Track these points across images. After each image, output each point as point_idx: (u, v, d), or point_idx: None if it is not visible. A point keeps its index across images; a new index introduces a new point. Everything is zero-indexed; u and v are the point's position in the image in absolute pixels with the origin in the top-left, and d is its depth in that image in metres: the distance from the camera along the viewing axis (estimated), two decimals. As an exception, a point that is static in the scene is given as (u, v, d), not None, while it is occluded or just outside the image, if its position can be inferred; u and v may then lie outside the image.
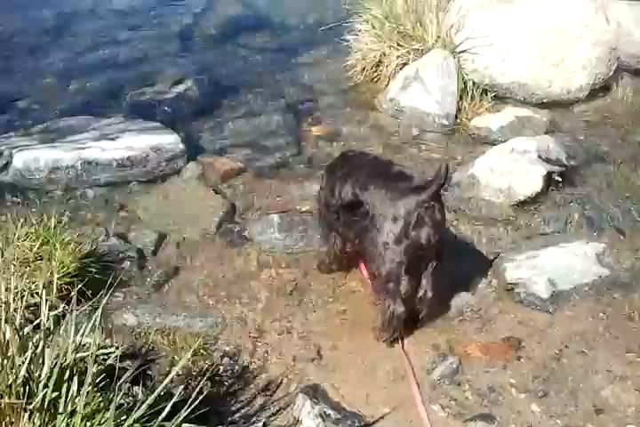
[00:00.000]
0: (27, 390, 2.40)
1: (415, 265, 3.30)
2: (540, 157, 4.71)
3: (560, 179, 4.67)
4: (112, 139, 4.89)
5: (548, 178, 4.62)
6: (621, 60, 5.93)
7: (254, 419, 2.99)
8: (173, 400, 2.44)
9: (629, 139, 5.25)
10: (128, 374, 2.58)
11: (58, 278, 3.43)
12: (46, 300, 2.80)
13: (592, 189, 4.67)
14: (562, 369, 3.29)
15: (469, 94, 5.57)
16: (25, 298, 3.22)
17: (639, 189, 4.66)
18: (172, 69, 6.25)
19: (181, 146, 4.94)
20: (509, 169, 4.61)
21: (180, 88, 5.87)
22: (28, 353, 2.51)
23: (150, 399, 2.46)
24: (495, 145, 4.98)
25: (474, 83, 5.67)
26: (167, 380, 2.52)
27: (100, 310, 2.74)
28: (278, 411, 3.06)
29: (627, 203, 4.49)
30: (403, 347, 3.37)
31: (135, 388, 2.91)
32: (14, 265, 3.50)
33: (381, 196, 3.31)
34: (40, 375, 2.47)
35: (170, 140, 4.95)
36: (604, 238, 4.16)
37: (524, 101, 5.69)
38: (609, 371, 3.26)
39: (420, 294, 3.37)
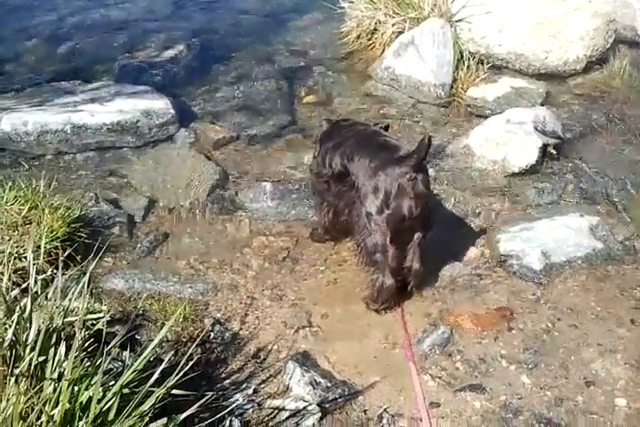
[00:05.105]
0: (13, 353, 2.37)
1: (401, 236, 3.27)
2: (535, 128, 4.67)
3: (555, 151, 4.64)
4: (102, 103, 4.80)
5: (544, 150, 4.58)
6: (619, 33, 5.86)
7: (244, 386, 2.98)
8: (163, 366, 2.41)
9: (625, 112, 5.20)
10: (117, 339, 2.55)
11: (46, 243, 3.38)
12: (34, 264, 2.75)
13: (587, 161, 4.63)
14: (553, 341, 3.29)
15: (465, 64, 5.49)
16: (13, 262, 3.20)
17: (634, 162, 4.63)
18: (163, 33, 6.13)
19: (172, 111, 4.85)
20: (505, 140, 4.58)
21: (171, 53, 5.76)
22: (15, 316, 2.47)
23: (138, 364, 2.44)
24: (490, 116, 4.93)
25: (470, 52, 5.60)
26: (154, 343, 2.49)
27: (88, 275, 2.70)
28: (268, 378, 3.05)
29: (621, 176, 4.46)
30: (403, 317, 3.36)
31: (124, 353, 2.88)
32: (2, 229, 3.46)
33: (365, 166, 3.30)
34: (27, 339, 2.44)
35: (161, 105, 4.86)
36: (598, 211, 4.13)
37: (520, 72, 5.63)
38: (600, 344, 3.26)
39: (407, 265, 3.35)
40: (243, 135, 4.88)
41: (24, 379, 2.30)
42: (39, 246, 3.21)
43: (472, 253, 3.86)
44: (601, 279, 3.64)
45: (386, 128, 3.69)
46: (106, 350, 2.39)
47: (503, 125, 4.68)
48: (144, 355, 2.45)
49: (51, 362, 2.40)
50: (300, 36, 6.23)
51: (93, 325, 2.87)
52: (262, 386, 3.01)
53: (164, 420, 2.37)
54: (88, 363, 2.44)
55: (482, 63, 5.54)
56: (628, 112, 5.17)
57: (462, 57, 5.52)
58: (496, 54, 5.63)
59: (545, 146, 4.59)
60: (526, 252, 3.76)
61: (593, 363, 3.17)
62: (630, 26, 5.89)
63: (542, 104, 5.21)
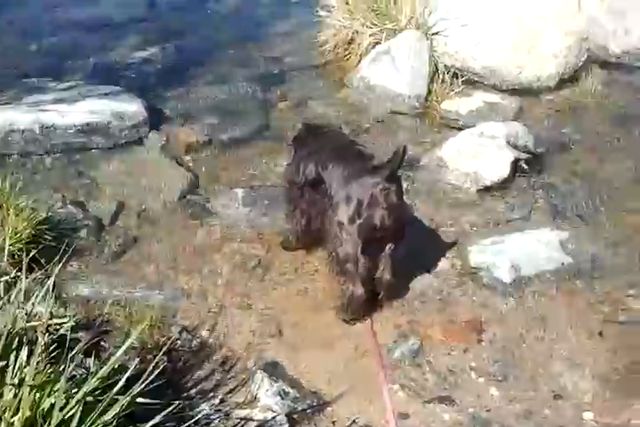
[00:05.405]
0: (-28, 358, 2.29)
1: (372, 247, 3.26)
2: (508, 142, 4.69)
3: (527, 166, 4.66)
4: (73, 103, 4.71)
5: (515, 164, 4.60)
6: (591, 52, 5.94)
7: (211, 395, 2.93)
8: (128, 373, 2.35)
9: (595, 129, 5.25)
10: (81, 345, 2.49)
11: (10, 244, 3.30)
12: (-3, 265, 2.68)
13: (557, 177, 4.66)
14: (522, 354, 3.29)
15: (440, 77, 5.51)
16: (-26, 263, 3.11)
17: (603, 178, 4.67)
18: (138, 34, 6.06)
19: (144, 113, 4.78)
20: (477, 153, 4.59)
21: (145, 54, 5.71)
22: (-25, 319, 2.40)
23: (103, 371, 2.37)
24: (464, 129, 4.95)
25: (445, 66, 5.62)
26: (121, 351, 2.44)
27: (52, 278, 2.63)
28: (236, 387, 3.00)
29: (591, 192, 4.49)
30: (372, 328, 3.34)
31: (88, 360, 2.80)
32: (-36, 229, 3.36)
33: (338, 175, 3.30)
34: (-13, 343, 2.36)
35: (133, 108, 4.79)
36: (568, 226, 4.15)
37: (494, 87, 5.65)
38: (568, 357, 3.27)
39: (378, 276, 3.34)
40: (215, 139, 4.83)
41: (-17, 384, 2.23)
42: (3, 248, 3.13)
43: (443, 264, 3.85)
44: (570, 293, 3.65)
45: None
46: (70, 356, 2.33)
47: (476, 139, 4.71)
48: (110, 362, 2.38)
49: (11, 367, 2.33)
50: (276, 42, 6.17)
51: (57, 330, 2.79)
52: (229, 396, 2.95)
53: (129, 429, 2.31)
54: (51, 369, 2.36)
55: (456, 77, 5.56)
56: (599, 129, 5.22)
57: (437, 70, 5.54)
58: (471, 68, 5.66)
59: (517, 160, 4.61)
60: (496, 264, 3.77)
61: (561, 376, 3.18)
62: (602, 45, 5.96)
63: (514, 119, 5.25)
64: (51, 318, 2.87)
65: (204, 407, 2.85)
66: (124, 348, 2.44)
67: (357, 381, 3.09)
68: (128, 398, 2.30)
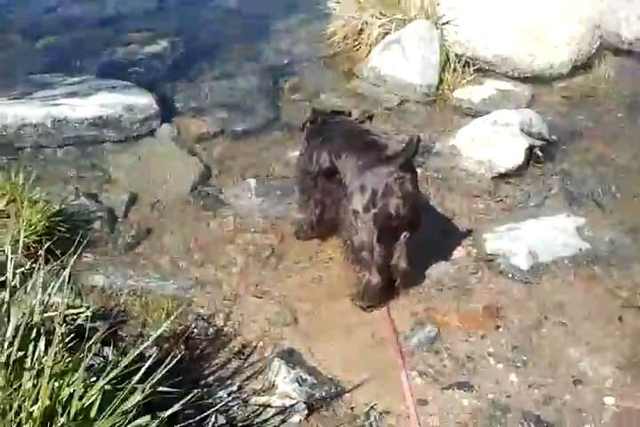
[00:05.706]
0: (-9, 348, 2.28)
1: (388, 235, 3.25)
2: (522, 130, 4.65)
3: (541, 153, 4.62)
4: (84, 97, 4.71)
5: (529, 151, 4.56)
6: (604, 39, 5.88)
7: (228, 382, 2.92)
8: (148, 363, 2.34)
9: (609, 116, 5.22)
10: (98, 334, 2.47)
11: (25, 237, 3.30)
12: (12, 257, 2.67)
13: (572, 163, 4.63)
14: (540, 340, 3.26)
15: (452, 66, 5.48)
16: (-10, 255, 3.10)
17: (617, 164, 4.63)
18: (147, 29, 6.04)
19: (155, 106, 4.78)
20: (491, 141, 4.56)
21: (155, 48, 5.71)
22: (-8, 310, 2.39)
23: (125, 361, 2.36)
24: (476, 117, 4.91)
25: (456, 55, 5.58)
26: (149, 341, 2.43)
27: (68, 269, 2.62)
28: (253, 375, 2.99)
29: (605, 178, 4.45)
30: (389, 315, 3.33)
31: (106, 349, 2.80)
32: (-21, 222, 3.37)
33: (352, 164, 3.28)
34: (5, 334, 2.35)
35: (144, 101, 4.78)
36: (584, 212, 4.12)
37: (506, 75, 5.62)
38: (587, 342, 3.24)
39: (394, 264, 3.33)
40: (226, 131, 4.82)
41: (2, 372, 2.22)
42: (18, 240, 3.13)
43: (459, 252, 3.83)
44: (588, 279, 3.62)
45: (370, 118, 3.67)
46: (87, 345, 2.32)
47: (490, 127, 4.67)
48: (132, 354, 2.37)
49: (30, 357, 2.32)
50: (285, 34, 6.16)
51: (74, 320, 2.78)
52: (247, 383, 2.95)
53: (148, 417, 2.30)
54: (69, 359, 2.36)
55: (468, 65, 5.52)
56: (612, 116, 5.18)
57: (448, 59, 5.50)
58: (482, 57, 5.62)
59: (531, 147, 4.57)
60: (513, 251, 3.74)
61: (581, 361, 3.15)
62: (615, 32, 5.90)
63: (527, 106, 5.21)
64: (67, 309, 2.87)
65: (222, 395, 2.85)
66: (151, 339, 2.43)
67: (375, 368, 3.07)
68: (148, 387, 2.29)
